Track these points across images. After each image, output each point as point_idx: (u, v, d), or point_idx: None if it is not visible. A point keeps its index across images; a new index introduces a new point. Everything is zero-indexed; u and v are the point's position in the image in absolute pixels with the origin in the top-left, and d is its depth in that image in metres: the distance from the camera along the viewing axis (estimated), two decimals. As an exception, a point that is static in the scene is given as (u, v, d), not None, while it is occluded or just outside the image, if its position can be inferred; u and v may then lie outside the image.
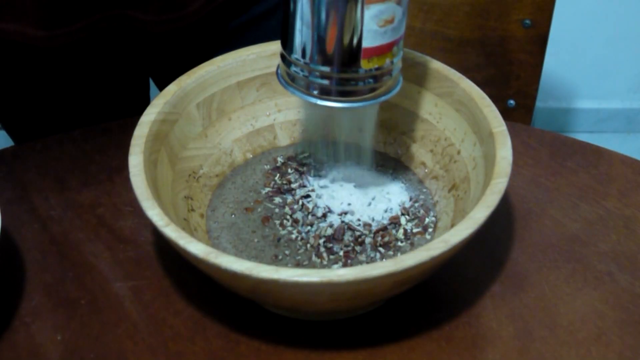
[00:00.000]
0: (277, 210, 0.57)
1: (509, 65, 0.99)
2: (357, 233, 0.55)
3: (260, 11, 0.75)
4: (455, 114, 0.57)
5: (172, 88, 0.56)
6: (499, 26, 0.96)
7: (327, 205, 0.56)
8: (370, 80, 0.49)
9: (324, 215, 0.56)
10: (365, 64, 0.48)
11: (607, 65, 1.52)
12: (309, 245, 0.54)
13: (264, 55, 0.60)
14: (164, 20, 0.68)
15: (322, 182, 0.58)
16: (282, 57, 0.51)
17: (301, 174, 0.60)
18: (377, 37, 0.48)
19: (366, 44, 0.47)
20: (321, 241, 0.54)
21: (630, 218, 0.59)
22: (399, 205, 0.57)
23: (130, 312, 0.53)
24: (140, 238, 0.58)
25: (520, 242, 0.57)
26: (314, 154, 0.61)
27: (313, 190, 0.58)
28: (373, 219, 0.56)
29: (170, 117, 0.56)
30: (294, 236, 0.55)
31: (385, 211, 0.56)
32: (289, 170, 0.60)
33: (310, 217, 0.56)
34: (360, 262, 0.53)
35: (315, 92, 0.50)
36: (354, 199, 0.57)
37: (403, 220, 0.56)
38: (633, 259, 0.56)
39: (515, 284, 0.54)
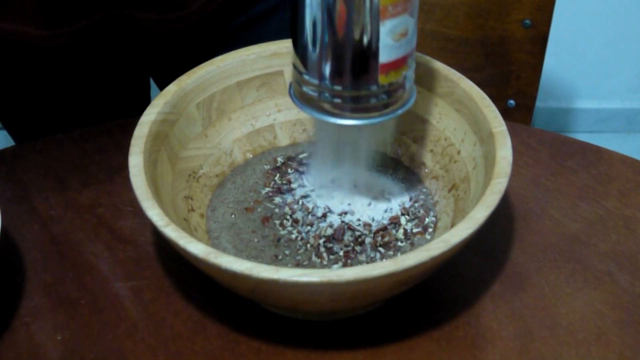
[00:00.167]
0: (277, 210, 0.57)
1: (509, 65, 0.99)
2: (357, 233, 0.55)
3: (261, 11, 0.75)
4: (455, 114, 0.57)
5: (172, 88, 0.56)
6: (499, 26, 0.96)
7: (327, 205, 0.56)
8: (390, 94, 0.49)
9: (324, 215, 0.56)
10: (383, 79, 0.48)
11: (607, 65, 1.52)
12: (309, 245, 0.54)
13: (264, 55, 0.60)
14: (164, 20, 0.68)
15: (322, 182, 0.58)
16: (296, 77, 0.50)
17: (301, 174, 0.60)
18: (393, 51, 0.47)
19: (383, 59, 0.47)
20: (321, 241, 0.54)
21: (630, 218, 0.59)
22: (399, 205, 0.57)
23: (130, 312, 0.53)
24: (140, 238, 0.58)
25: (520, 242, 0.57)
26: (314, 154, 0.61)
27: (313, 190, 0.58)
28: (373, 219, 0.56)
29: (170, 117, 0.56)
30: (294, 236, 0.55)
31: (385, 211, 0.56)
32: (289, 170, 0.60)
33: (310, 217, 0.56)
34: (360, 262, 0.53)
35: (332, 111, 0.49)
36: (354, 199, 0.57)
37: (403, 220, 0.56)
38: (633, 259, 0.56)
39: (515, 284, 0.54)
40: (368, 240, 0.54)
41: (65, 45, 0.67)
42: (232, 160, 0.61)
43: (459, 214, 0.53)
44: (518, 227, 0.58)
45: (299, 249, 0.54)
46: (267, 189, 0.59)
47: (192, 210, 0.56)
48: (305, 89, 0.49)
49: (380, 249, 0.54)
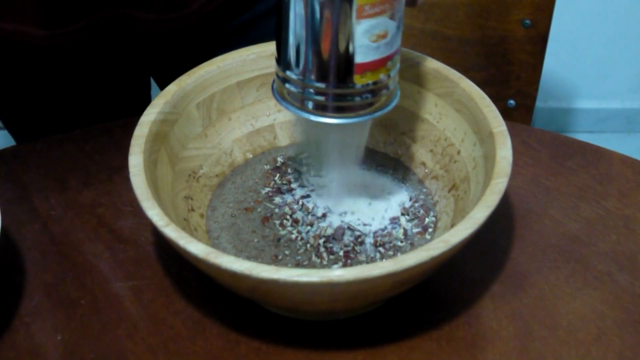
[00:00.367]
0: (277, 210, 0.57)
1: (509, 65, 0.99)
2: (357, 233, 0.55)
3: (261, 11, 0.75)
4: (455, 114, 0.57)
5: (172, 88, 0.56)
6: (499, 26, 0.96)
7: (327, 205, 0.56)
8: (366, 95, 0.48)
9: (324, 215, 0.56)
10: (358, 80, 0.47)
11: (607, 65, 1.52)
12: (309, 245, 0.54)
13: (264, 55, 0.60)
14: (164, 19, 0.68)
15: (322, 182, 0.58)
16: (277, 72, 0.51)
17: (301, 174, 0.60)
18: (370, 52, 0.47)
19: (359, 59, 0.47)
20: (321, 241, 0.54)
21: (630, 218, 0.59)
22: (399, 205, 0.57)
23: (130, 312, 0.53)
24: (140, 238, 0.58)
25: (520, 242, 0.57)
26: (314, 154, 0.61)
27: (313, 190, 0.58)
28: (373, 219, 0.56)
29: (170, 117, 0.56)
30: (294, 236, 0.55)
31: (385, 211, 0.56)
32: (289, 170, 0.60)
33: (310, 217, 0.56)
34: (360, 262, 0.53)
35: (310, 108, 0.49)
36: (354, 198, 0.57)
37: (403, 220, 0.56)
38: (633, 259, 0.56)
39: (515, 284, 0.54)
40: (368, 240, 0.54)
41: (65, 45, 0.67)
42: (232, 160, 0.61)
43: (459, 214, 0.53)
44: (518, 227, 0.58)
45: (299, 249, 0.54)
46: (267, 189, 0.59)
47: (192, 210, 0.56)
48: (286, 84, 0.50)
49: (380, 249, 0.54)
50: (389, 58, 0.48)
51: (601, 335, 0.51)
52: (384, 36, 0.47)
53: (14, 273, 0.56)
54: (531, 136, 0.66)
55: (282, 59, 0.49)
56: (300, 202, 0.57)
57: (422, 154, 0.60)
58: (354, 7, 0.45)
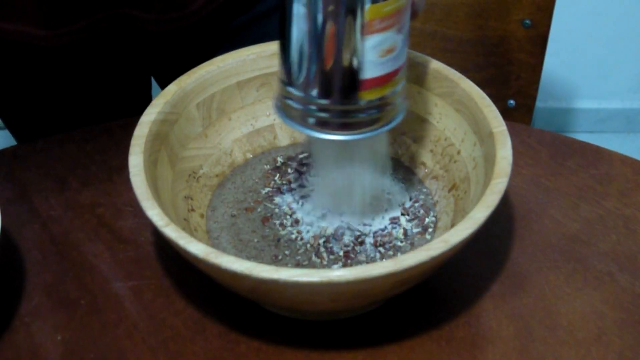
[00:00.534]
0: (277, 210, 0.57)
1: (509, 65, 0.99)
2: (357, 233, 0.55)
3: (261, 11, 0.75)
4: (455, 114, 0.57)
5: (172, 88, 0.56)
6: (499, 26, 0.96)
7: (327, 205, 0.56)
8: (372, 111, 0.47)
9: (324, 215, 0.56)
10: (365, 95, 0.47)
11: (607, 65, 1.52)
12: (309, 245, 0.54)
13: (264, 55, 0.60)
14: (165, 19, 0.68)
15: (322, 182, 0.58)
16: (280, 88, 0.49)
17: (301, 174, 0.60)
18: (377, 67, 0.46)
19: (366, 75, 0.46)
20: (321, 241, 0.54)
21: (630, 218, 0.59)
22: (399, 205, 0.57)
23: (130, 312, 0.53)
24: (140, 238, 0.58)
25: (520, 242, 0.57)
26: (314, 154, 0.61)
27: (313, 190, 0.58)
28: (373, 219, 0.56)
29: (170, 117, 0.56)
30: (294, 236, 0.55)
31: (386, 211, 0.56)
32: (289, 170, 0.60)
33: (310, 217, 0.56)
34: (360, 262, 0.53)
35: (315, 124, 0.48)
36: (354, 198, 0.57)
37: (403, 220, 0.56)
38: (633, 259, 0.56)
39: (515, 284, 0.54)
40: (368, 240, 0.54)
41: (65, 45, 0.67)
42: (232, 160, 0.61)
43: (459, 214, 0.53)
44: (518, 227, 0.58)
45: (299, 249, 0.54)
46: (267, 189, 0.59)
47: (192, 210, 0.56)
48: (291, 101, 0.48)
49: (380, 249, 0.54)
50: (396, 72, 0.47)
51: (601, 335, 0.51)
52: (391, 51, 0.46)
53: (14, 273, 0.56)
54: (531, 136, 0.66)
55: (286, 75, 0.48)
56: (300, 202, 0.57)
57: (422, 154, 0.60)
58: (364, 22, 0.44)
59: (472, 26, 0.97)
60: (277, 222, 0.56)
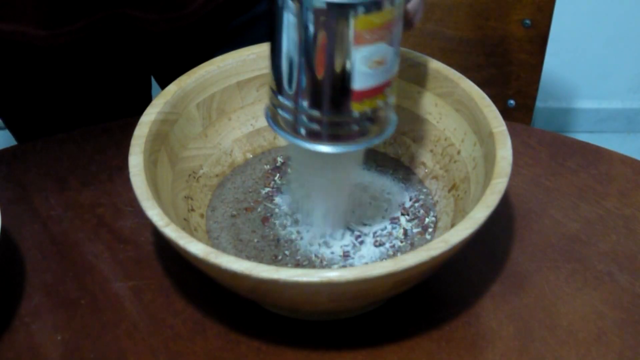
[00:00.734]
0: (277, 210, 0.57)
1: (509, 65, 0.99)
2: (357, 233, 0.55)
3: (261, 11, 0.75)
4: (455, 114, 0.57)
5: (172, 88, 0.56)
6: (499, 26, 0.96)
7: (326, 205, 0.56)
8: (363, 122, 0.47)
9: (324, 215, 0.56)
10: (355, 107, 0.46)
11: (607, 65, 1.52)
12: (309, 245, 0.54)
13: (264, 55, 0.60)
14: (164, 19, 0.68)
15: (322, 182, 0.58)
16: (271, 98, 0.49)
17: (301, 173, 0.60)
18: (367, 79, 0.45)
19: (356, 86, 0.45)
20: (321, 241, 0.54)
21: (630, 218, 0.59)
22: (399, 205, 0.57)
23: (130, 312, 0.53)
24: (140, 238, 0.58)
25: (520, 242, 0.57)
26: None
27: (313, 190, 0.58)
28: (373, 219, 0.56)
29: (170, 117, 0.56)
30: (293, 236, 0.55)
31: (386, 211, 0.56)
32: (289, 170, 0.60)
33: (310, 217, 0.56)
34: (360, 263, 0.53)
35: (305, 135, 0.48)
36: (354, 198, 0.57)
37: (403, 220, 0.56)
38: (633, 259, 0.56)
39: (515, 284, 0.54)
40: (368, 240, 0.54)
41: (65, 45, 0.67)
42: (232, 160, 0.61)
43: (459, 214, 0.53)
44: (518, 227, 0.58)
45: (299, 249, 0.54)
46: (267, 189, 0.59)
47: (192, 210, 0.56)
48: (280, 111, 0.48)
49: (380, 248, 0.54)
50: (386, 84, 0.47)
51: (601, 335, 0.51)
52: (381, 63, 0.45)
53: (14, 273, 0.56)
54: (531, 136, 0.66)
55: (276, 85, 0.48)
56: (300, 202, 0.57)
57: (422, 154, 0.60)
58: (354, 33, 0.43)
59: (472, 26, 0.97)
60: (277, 222, 0.56)
